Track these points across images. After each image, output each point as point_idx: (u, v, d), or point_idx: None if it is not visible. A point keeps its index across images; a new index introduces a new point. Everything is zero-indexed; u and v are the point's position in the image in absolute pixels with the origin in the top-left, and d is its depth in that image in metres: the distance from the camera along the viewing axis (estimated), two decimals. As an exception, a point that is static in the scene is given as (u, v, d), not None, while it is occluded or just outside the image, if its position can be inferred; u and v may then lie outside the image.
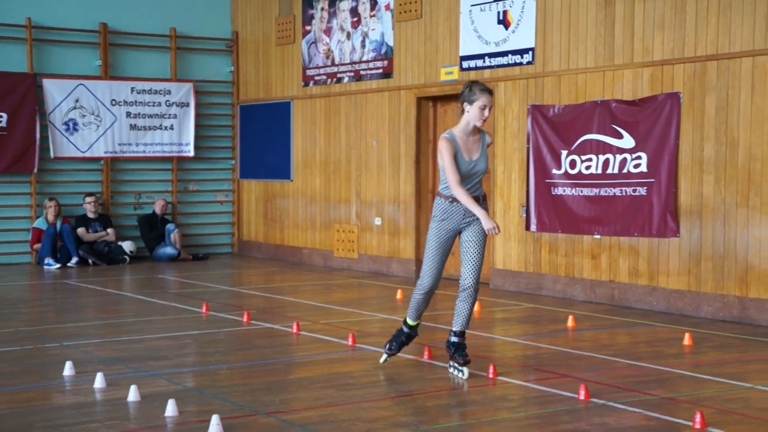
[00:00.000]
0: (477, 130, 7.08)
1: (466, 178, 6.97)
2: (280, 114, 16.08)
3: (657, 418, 5.96)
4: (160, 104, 16.14)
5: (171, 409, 5.94)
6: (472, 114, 6.95)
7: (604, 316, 10.11)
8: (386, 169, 14.09)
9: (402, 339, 7.46)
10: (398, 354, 7.51)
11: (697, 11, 10.02)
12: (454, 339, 7.15)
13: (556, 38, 11.57)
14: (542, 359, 7.91)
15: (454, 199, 6.99)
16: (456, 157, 6.92)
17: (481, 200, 7.07)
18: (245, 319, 9.62)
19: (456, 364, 7.13)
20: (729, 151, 9.79)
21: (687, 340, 8.51)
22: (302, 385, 6.93)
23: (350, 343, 8.36)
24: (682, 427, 5.75)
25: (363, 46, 14.42)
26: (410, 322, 7.41)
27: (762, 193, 9.52)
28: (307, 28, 15.45)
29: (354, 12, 14.54)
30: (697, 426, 5.68)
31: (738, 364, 7.74)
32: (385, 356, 7.52)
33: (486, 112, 6.93)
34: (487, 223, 6.83)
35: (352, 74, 14.65)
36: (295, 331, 8.99)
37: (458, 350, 7.10)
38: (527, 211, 11.89)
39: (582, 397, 6.38)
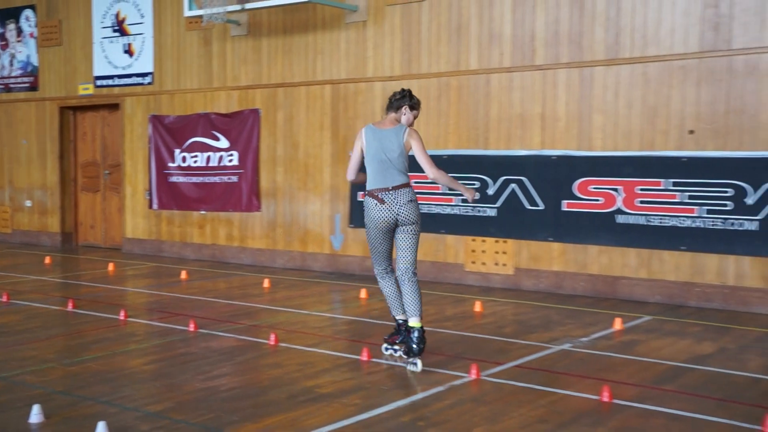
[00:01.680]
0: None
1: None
2: (-63, 116, 13.88)
3: (245, 339, 6.04)
4: None
5: None
6: (408, 117, 5.48)
7: (209, 270, 10.06)
8: (35, 162, 12.78)
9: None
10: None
11: (269, 53, 10.27)
12: None
13: (169, 66, 11.22)
14: (163, 304, 7.67)
15: None
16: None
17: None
18: None
19: None
20: (293, 151, 10.19)
21: (266, 283, 8.72)
22: (-40, 338, 6.10)
23: (5, 300, 7.51)
24: (262, 344, 5.87)
25: (11, 64, 12.90)
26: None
27: (314, 180, 10.03)
28: (-39, 46, 13.48)
29: (2, 37, 12.95)
30: (272, 343, 5.84)
31: (300, 298, 8.06)
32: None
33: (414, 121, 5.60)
34: (469, 194, 5.38)
35: (2, 87, 13.06)
36: (-46, 294, 7.88)
37: None
38: (150, 194, 11.45)
39: (192, 329, 6.30)
